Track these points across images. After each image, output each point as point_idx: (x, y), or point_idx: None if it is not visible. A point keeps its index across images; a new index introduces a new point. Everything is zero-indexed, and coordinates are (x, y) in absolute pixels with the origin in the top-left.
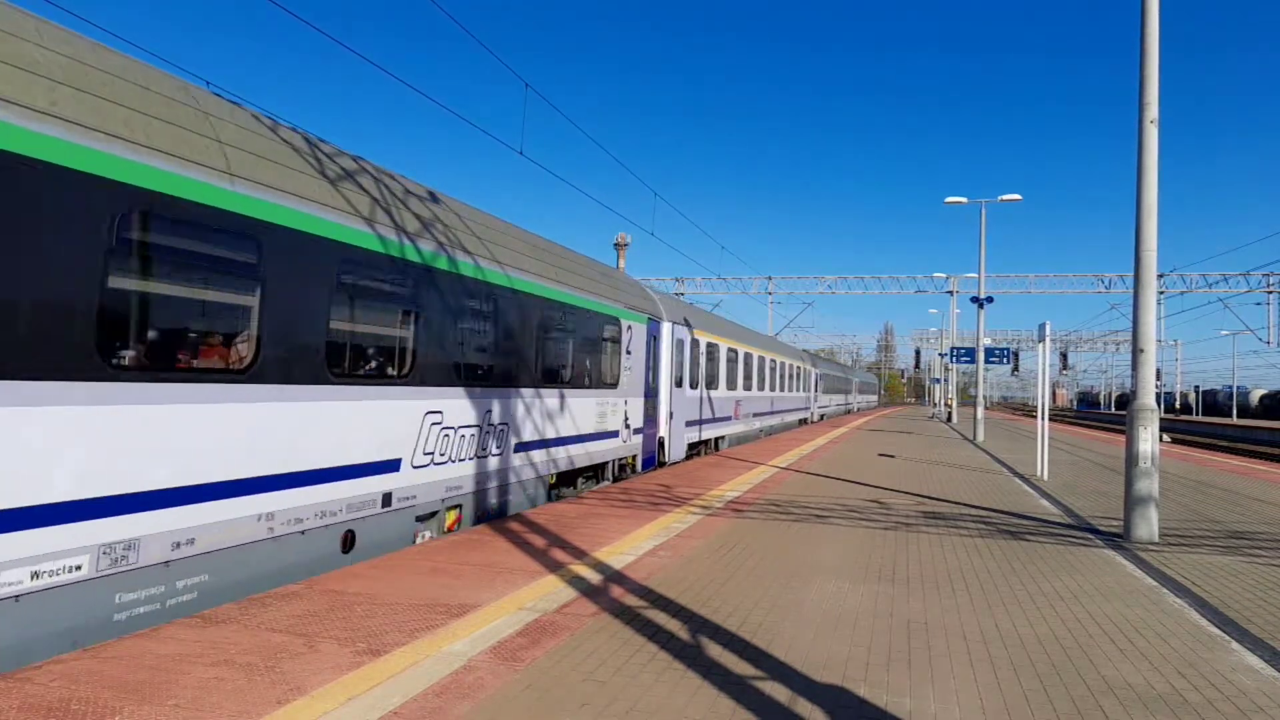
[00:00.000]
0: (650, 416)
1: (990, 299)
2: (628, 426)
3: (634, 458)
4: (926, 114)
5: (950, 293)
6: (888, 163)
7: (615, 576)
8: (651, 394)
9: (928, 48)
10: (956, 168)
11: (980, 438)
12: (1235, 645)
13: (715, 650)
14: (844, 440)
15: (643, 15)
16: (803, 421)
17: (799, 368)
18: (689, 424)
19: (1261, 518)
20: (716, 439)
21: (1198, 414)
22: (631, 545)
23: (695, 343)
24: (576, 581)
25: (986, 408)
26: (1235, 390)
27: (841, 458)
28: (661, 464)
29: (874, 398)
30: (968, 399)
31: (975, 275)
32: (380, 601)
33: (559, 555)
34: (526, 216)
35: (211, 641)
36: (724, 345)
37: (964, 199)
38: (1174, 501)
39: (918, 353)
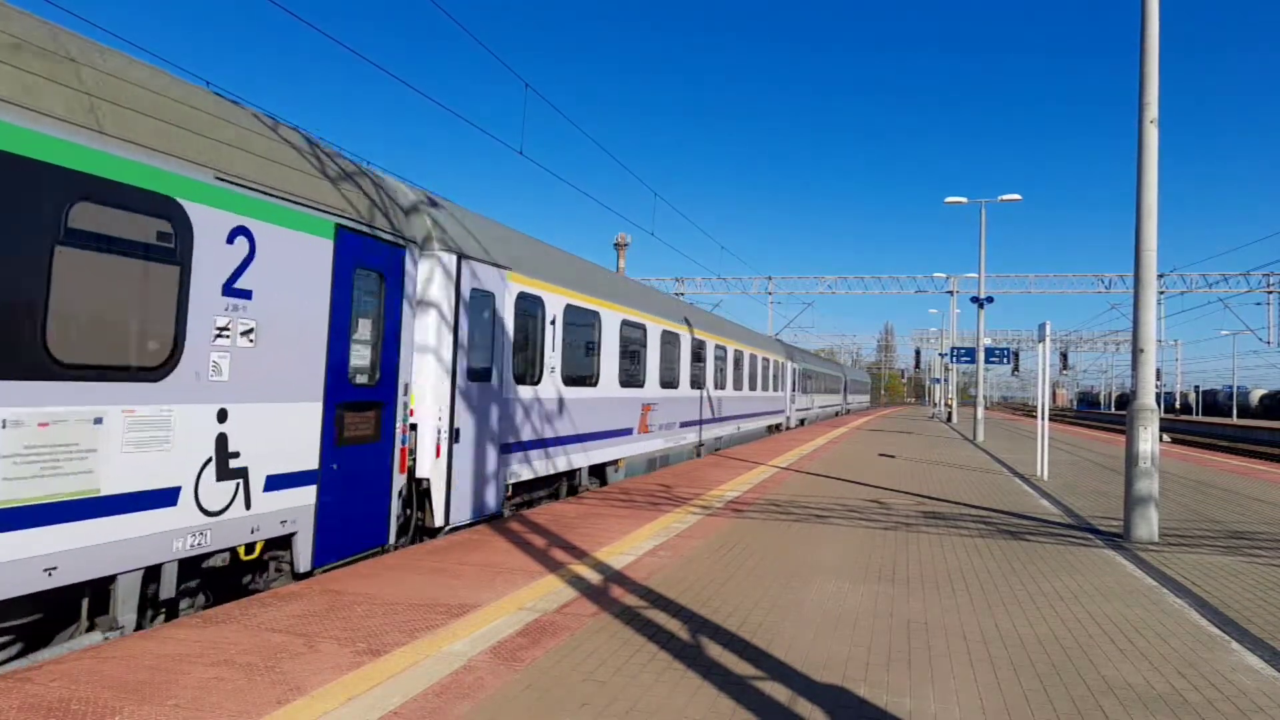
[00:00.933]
0: (350, 444)
1: (990, 299)
2: (235, 475)
3: (246, 547)
4: (926, 114)
5: (950, 293)
6: (888, 163)
7: (615, 576)
8: (359, 396)
9: (928, 48)
10: (956, 168)
11: (980, 438)
12: (1235, 645)
13: (715, 650)
14: (844, 440)
15: (643, 15)
16: (774, 429)
17: (768, 360)
18: (509, 449)
19: (1261, 518)
20: (597, 466)
21: (1198, 414)
22: (631, 545)
23: (534, 302)
24: (576, 581)
25: (986, 408)
26: (1235, 390)
27: (841, 458)
28: (429, 533)
29: (865, 398)
30: (968, 399)
31: (975, 275)
32: (380, 601)
33: (559, 555)
34: (527, 216)
35: (211, 641)
36: (611, 314)
37: (964, 199)
38: (1174, 501)
39: (918, 353)
